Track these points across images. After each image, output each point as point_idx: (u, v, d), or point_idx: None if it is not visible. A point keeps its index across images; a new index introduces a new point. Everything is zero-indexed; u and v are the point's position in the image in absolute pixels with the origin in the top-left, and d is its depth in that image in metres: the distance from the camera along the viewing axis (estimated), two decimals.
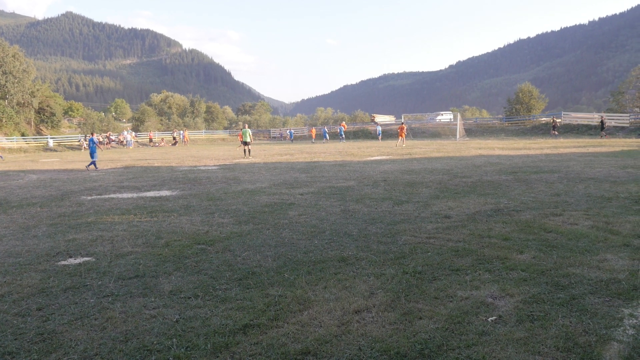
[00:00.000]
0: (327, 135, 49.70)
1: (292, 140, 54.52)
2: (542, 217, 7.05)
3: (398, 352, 3.11)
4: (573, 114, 49.62)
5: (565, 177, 11.67)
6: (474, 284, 4.30)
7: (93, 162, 19.77)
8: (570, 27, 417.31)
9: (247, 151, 24.90)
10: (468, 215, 7.40)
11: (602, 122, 37.23)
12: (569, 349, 3.08)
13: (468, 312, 3.70)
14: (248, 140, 25.06)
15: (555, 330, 3.34)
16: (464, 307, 3.78)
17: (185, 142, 41.06)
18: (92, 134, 22.14)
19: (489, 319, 3.55)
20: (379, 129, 47.99)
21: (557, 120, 42.42)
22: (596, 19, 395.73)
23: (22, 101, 57.65)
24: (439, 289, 4.19)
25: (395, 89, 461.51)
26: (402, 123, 38.46)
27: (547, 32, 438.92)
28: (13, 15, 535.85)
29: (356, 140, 50.58)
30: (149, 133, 59.25)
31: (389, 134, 50.66)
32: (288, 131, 60.47)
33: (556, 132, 40.32)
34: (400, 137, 32.57)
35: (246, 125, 27.76)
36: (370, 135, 53.95)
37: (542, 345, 3.15)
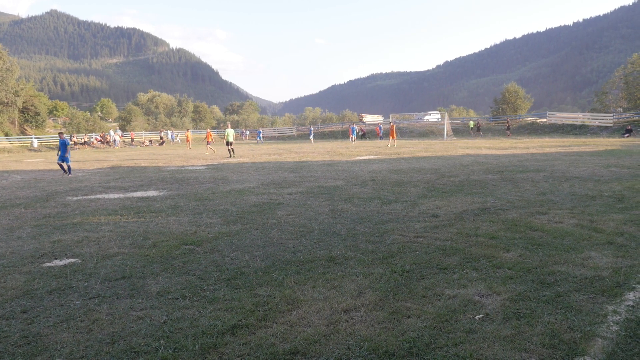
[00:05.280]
0: (355, 132, 43.39)
1: (262, 142, 51.04)
2: (528, 215, 7.14)
3: (386, 350, 3.13)
4: (558, 114, 50.32)
5: (550, 176, 11.82)
6: (461, 282, 4.34)
7: (68, 166, 16.96)
8: (555, 28, 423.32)
9: (231, 151, 24.76)
10: (455, 214, 7.45)
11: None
12: (555, 346, 3.12)
13: (456, 310, 3.73)
14: (231, 140, 25.03)
15: (541, 327, 3.38)
16: (451, 306, 3.81)
17: (188, 142, 39.59)
18: (61, 134, 18.46)
19: (476, 317, 3.59)
20: (355, 128, 43.92)
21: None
22: (580, 20, 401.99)
23: (6, 100, 56.60)
24: (427, 288, 4.22)
25: (384, 89, 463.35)
26: (391, 122, 37.73)
27: (532, 33, 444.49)
28: None
29: (346, 139, 50.63)
30: (130, 133, 58.71)
31: (374, 133, 50.73)
32: (247, 131, 59.01)
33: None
34: (391, 138, 32.10)
35: (229, 125, 27.66)
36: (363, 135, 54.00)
37: (529, 342, 3.18)
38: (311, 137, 43.60)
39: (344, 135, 56.40)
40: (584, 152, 19.78)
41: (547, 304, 3.79)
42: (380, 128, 49.80)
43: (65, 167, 16.85)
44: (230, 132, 25.22)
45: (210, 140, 31.43)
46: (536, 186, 10.18)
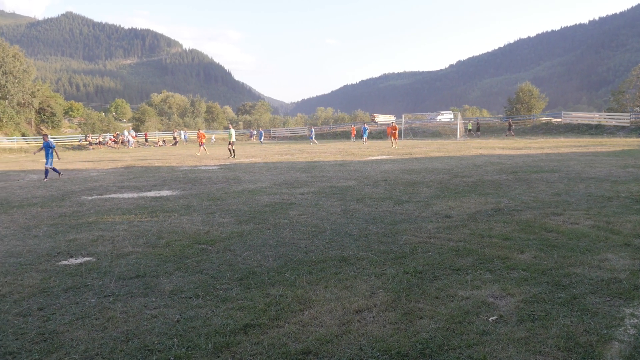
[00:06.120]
0: (367, 133, 41.60)
1: (261, 142, 50.95)
2: (543, 216, 7.05)
3: (399, 351, 3.11)
4: (573, 114, 49.63)
5: (565, 176, 11.67)
6: (474, 283, 4.30)
7: (54, 169, 16.02)
8: (570, 26, 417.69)
9: (232, 151, 24.93)
10: (469, 214, 7.40)
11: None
12: (570, 349, 3.08)
13: (469, 311, 3.70)
14: (233, 140, 25.38)
15: (556, 329, 3.34)
16: (464, 307, 3.78)
17: (201, 143, 38.90)
18: (45, 136, 17.07)
19: (490, 319, 3.55)
20: (366, 128, 42.43)
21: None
22: (596, 18, 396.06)
23: (23, 101, 57.65)
24: (439, 289, 4.19)
25: (396, 89, 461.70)
26: (393, 123, 35.16)
27: (547, 32, 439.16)
28: (13, 15, 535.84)
29: (358, 139, 50.50)
30: (144, 133, 59.25)
31: (385, 134, 50.46)
32: (255, 131, 58.70)
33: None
34: (392, 138, 29.75)
35: (230, 126, 27.78)
36: (370, 135, 53.86)
37: (543, 344, 3.15)
38: (312, 138, 43.15)
39: (355, 135, 56.28)
40: (600, 152, 19.49)
41: (563, 306, 3.74)
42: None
43: (48, 169, 15.82)
44: (232, 133, 25.51)
45: (202, 141, 30.41)
46: (551, 187, 10.05)
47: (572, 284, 4.21)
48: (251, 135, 66.66)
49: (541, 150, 22.32)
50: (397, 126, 31.09)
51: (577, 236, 5.80)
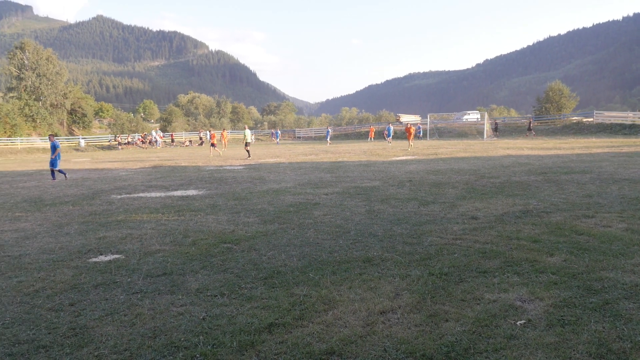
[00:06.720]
0: (391, 133, 39.83)
1: (277, 143, 50.61)
2: (574, 219, 6.87)
3: (424, 354, 3.08)
4: (606, 113, 48.17)
5: (597, 177, 11.34)
6: (502, 286, 4.22)
7: (61, 171, 15.86)
8: (603, 23, 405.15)
9: (248, 152, 24.76)
10: (496, 216, 7.26)
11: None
12: (602, 356, 2.98)
13: (496, 315, 3.63)
14: (249, 141, 25.09)
15: (588, 335, 3.25)
16: (491, 310, 3.71)
17: (224, 144, 38.45)
18: (52, 136, 17.03)
19: (518, 323, 3.48)
20: (390, 128, 40.92)
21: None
22: (630, 14, 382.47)
23: (55, 102, 59.58)
24: (465, 291, 4.13)
25: (421, 89, 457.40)
26: (408, 124, 33.76)
27: (578, 29, 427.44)
28: (46, 19, 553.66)
29: (382, 140, 50.23)
30: (170, 133, 60.22)
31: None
32: (275, 132, 58.73)
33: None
34: (408, 139, 29.16)
35: (246, 126, 27.71)
36: (395, 136, 53.46)
37: (574, 350, 3.06)
38: (328, 138, 42.79)
39: (379, 135, 55.99)
40: (634, 153, 18.85)
41: (594, 311, 3.64)
42: (419, 128, 49.00)
43: (55, 171, 15.67)
44: (247, 134, 25.28)
45: (214, 142, 29.58)
46: (582, 188, 9.78)
47: (605, 288, 4.09)
48: (272, 135, 67.01)
49: (572, 150, 21.75)
50: (412, 127, 30.54)
51: (609, 239, 5.63)
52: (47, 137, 17.89)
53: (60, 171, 15.82)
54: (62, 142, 49.31)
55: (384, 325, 3.52)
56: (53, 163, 15.69)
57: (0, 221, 8.40)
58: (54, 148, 15.96)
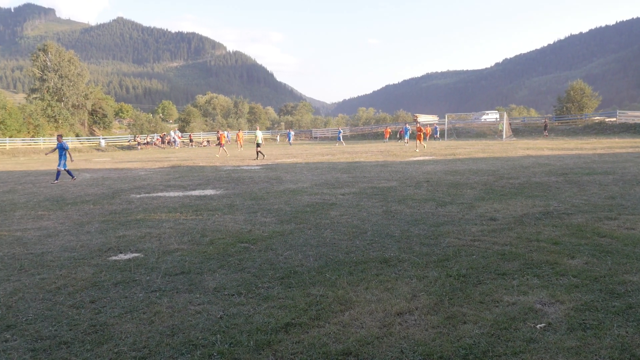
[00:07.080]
0: (408, 133, 38.67)
1: (290, 144, 49.54)
2: (596, 220, 6.73)
3: (441, 356, 3.05)
4: (630, 113, 47.07)
5: (620, 179, 11.09)
6: (521, 289, 4.16)
7: (59, 173, 15.36)
8: (627, 20, 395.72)
9: (259, 153, 24.29)
10: (515, 217, 7.16)
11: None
12: None
13: (515, 318, 3.57)
14: (260, 142, 24.79)
15: (610, 340, 3.18)
16: (510, 313, 3.66)
17: (239, 144, 38.49)
18: (59, 137, 16.69)
19: (538, 326, 3.42)
20: (408, 129, 39.52)
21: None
22: None
23: (77, 103, 60.75)
24: (484, 293, 4.08)
25: (439, 88, 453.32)
26: (418, 124, 32.72)
27: (601, 27, 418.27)
28: (68, 22, 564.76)
29: (398, 140, 49.95)
30: (189, 134, 60.73)
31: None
32: (287, 133, 58.48)
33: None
34: (418, 141, 28.35)
35: (257, 127, 27.55)
36: (412, 136, 53.06)
37: (596, 355, 3.00)
38: (340, 139, 42.31)
39: (394, 135, 55.71)
40: None
41: (617, 315, 3.55)
42: (435, 129, 48.59)
43: (63, 171, 15.43)
44: (259, 135, 25.03)
45: (222, 142, 29.17)
46: (604, 189, 9.58)
47: (628, 292, 3.99)
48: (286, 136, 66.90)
49: (594, 151, 21.32)
50: (422, 127, 29.82)
51: (633, 242, 5.50)
52: (55, 138, 17.06)
53: (58, 173, 15.36)
54: (83, 142, 50.26)
55: (401, 327, 3.50)
56: (63, 164, 15.47)
57: (24, 219, 8.60)
58: (61, 149, 15.60)
